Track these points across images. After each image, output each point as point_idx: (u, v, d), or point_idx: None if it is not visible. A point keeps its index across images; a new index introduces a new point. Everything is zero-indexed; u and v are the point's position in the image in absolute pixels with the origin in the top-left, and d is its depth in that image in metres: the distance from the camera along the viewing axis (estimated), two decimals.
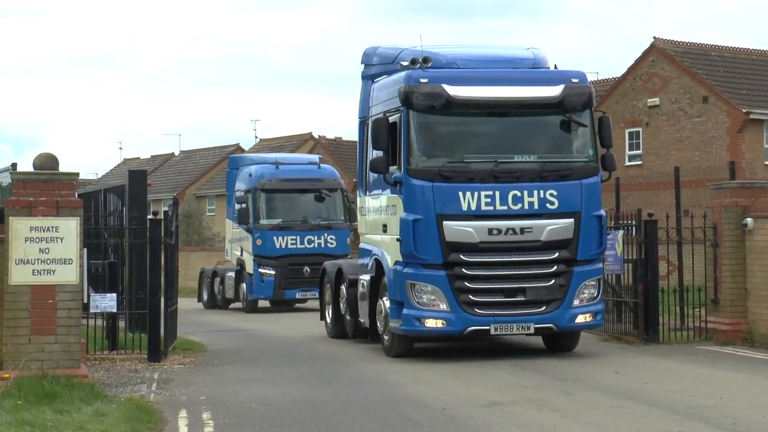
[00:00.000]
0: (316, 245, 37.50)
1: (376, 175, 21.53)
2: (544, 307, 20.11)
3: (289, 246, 37.29)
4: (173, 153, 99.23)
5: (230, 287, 40.49)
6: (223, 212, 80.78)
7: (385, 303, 20.85)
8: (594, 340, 23.80)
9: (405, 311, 19.81)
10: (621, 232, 23.97)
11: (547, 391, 16.35)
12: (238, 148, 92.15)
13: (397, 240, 19.98)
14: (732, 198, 23.29)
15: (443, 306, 19.62)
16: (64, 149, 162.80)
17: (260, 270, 37.20)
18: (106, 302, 20.32)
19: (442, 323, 19.71)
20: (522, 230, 20.05)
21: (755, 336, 22.34)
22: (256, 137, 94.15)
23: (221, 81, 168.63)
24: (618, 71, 56.08)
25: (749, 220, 22.75)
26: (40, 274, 15.96)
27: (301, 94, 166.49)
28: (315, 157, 43.47)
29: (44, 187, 16.23)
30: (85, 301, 18.41)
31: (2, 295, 15.97)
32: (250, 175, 38.57)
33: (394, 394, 16.31)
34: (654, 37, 52.87)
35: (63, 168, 16.85)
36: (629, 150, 52.57)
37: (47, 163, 16.67)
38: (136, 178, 24.57)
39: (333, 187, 39.13)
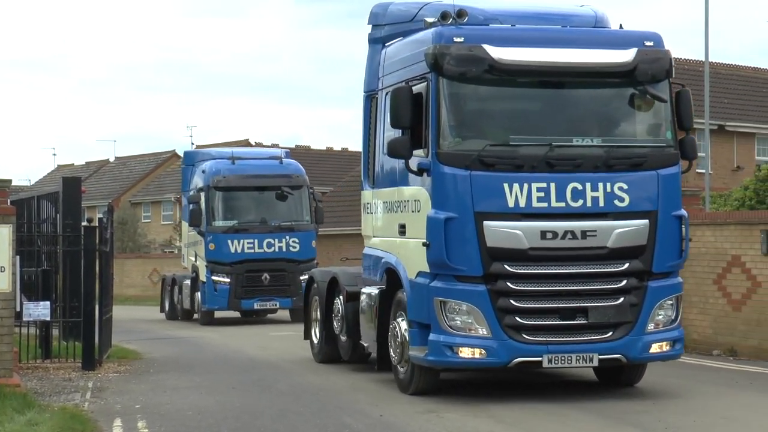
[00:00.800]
0: (276, 249, 34.10)
1: (389, 162, 17.43)
2: (610, 333, 15.62)
3: (246, 250, 33.74)
4: (108, 159, 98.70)
5: (186, 296, 36.95)
6: (159, 219, 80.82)
7: (401, 325, 16.63)
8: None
9: (433, 337, 15.50)
10: None
11: (482, 396, 16.30)
12: (173, 155, 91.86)
13: (424, 245, 15.62)
14: None
15: (483, 331, 15.34)
16: None
17: (213, 278, 33.63)
18: (40, 310, 20.12)
19: (482, 353, 15.42)
20: (583, 234, 15.62)
21: (687, 341, 22.47)
22: (193, 144, 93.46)
23: (159, 87, 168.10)
24: None
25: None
26: None
27: (239, 100, 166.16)
28: (277, 151, 38.73)
29: None
30: (18, 309, 18.23)
31: None
32: (204, 171, 35.00)
33: None
34: None
35: None
36: None
37: None
38: (70, 185, 24.40)
39: (297, 184, 35.16)
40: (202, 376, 19.89)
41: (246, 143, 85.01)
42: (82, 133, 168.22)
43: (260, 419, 14.76)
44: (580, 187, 15.71)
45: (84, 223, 21.79)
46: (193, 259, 36.17)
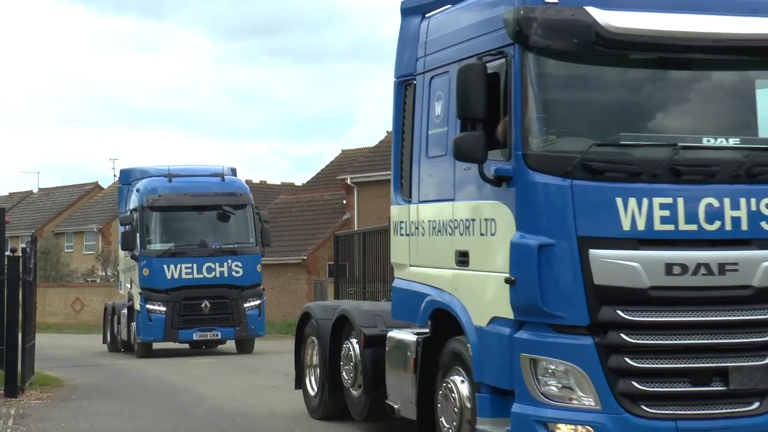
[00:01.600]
0: (217, 274, 29.94)
1: (438, 168, 12.90)
2: (757, 404, 11.01)
3: (184, 276, 29.56)
4: (32, 190, 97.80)
5: (124, 327, 32.70)
6: (81, 249, 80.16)
7: (460, 387, 12.10)
8: None
9: (518, 408, 11.05)
10: None
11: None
12: (96, 186, 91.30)
13: (506, 281, 11.06)
14: None
15: (589, 401, 10.74)
16: None
17: (148, 306, 29.39)
18: None
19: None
20: (721, 268, 10.94)
21: None
22: (115, 176, 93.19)
23: (80, 120, 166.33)
24: None
25: None
26: None
27: (159, 133, 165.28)
28: (220, 168, 32.85)
29: None
30: None
31: None
32: (138, 190, 30.77)
33: None
34: None
35: None
36: None
37: None
38: None
39: (240, 203, 31.00)
40: (123, 402, 19.69)
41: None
42: (6, 164, 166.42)
43: None
44: (716, 203, 11.24)
45: (7, 253, 21.50)
46: (129, 285, 32.38)
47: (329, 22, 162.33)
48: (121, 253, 34.77)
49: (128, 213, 31.47)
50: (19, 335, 20.68)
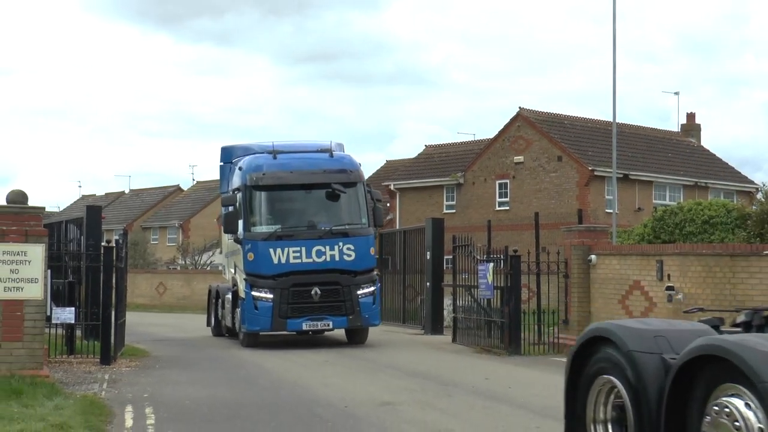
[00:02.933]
0: (327, 258, 24.02)
1: None
2: None
3: (292, 261, 23.75)
4: (124, 191, 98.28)
5: (228, 312, 27.10)
6: (164, 241, 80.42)
7: None
8: (469, 351, 23.85)
9: None
10: (492, 264, 24.12)
11: (429, 393, 16.37)
12: (177, 189, 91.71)
13: None
14: (580, 239, 23.61)
15: None
16: (33, 186, 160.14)
17: (253, 293, 23.76)
18: (66, 315, 20.08)
19: None
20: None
21: None
22: (194, 179, 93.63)
23: (164, 132, 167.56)
24: (491, 133, 56.43)
25: (593, 256, 23.07)
26: (11, 290, 15.78)
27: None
28: (326, 143, 26.66)
29: (15, 218, 16.09)
30: (48, 313, 18.17)
31: None
32: (241, 168, 25.26)
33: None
34: (520, 107, 53.53)
35: (31, 202, 16.74)
36: (499, 198, 53.05)
37: (18, 198, 16.54)
38: (92, 212, 24.34)
39: (351, 180, 24.95)
40: (199, 372, 19.81)
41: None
42: (102, 169, 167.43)
43: (245, 408, 14.74)
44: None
45: (103, 244, 21.70)
46: (233, 270, 26.72)
47: (374, 51, 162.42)
48: (223, 235, 29.45)
49: (230, 193, 26.07)
50: (113, 313, 20.87)
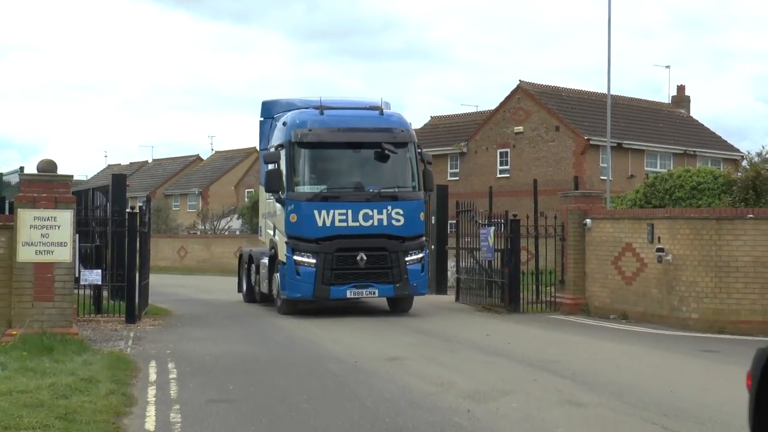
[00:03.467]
0: (375, 222, 21.36)
1: None
2: None
3: (337, 224, 21.08)
4: (147, 161, 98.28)
5: (264, 278, 24.29)
6: (185, 208, 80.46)
7: None
8: (471, 310, 23.93)
9: None
10: (493, 228, 24.16)
11: (434, 349, 16.46)
12: (197, 158, 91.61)
13: None
14: (576, 204, 23.62)
15: None
16: (62, 155, 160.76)
17: (295, 258, 21.06)
18: (93, 276, 20.20)
19: None
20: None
21: (590, 308, 22.68)
22: (212, 149, 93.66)
23: (185, 106, 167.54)
24: (492, 105, 56.31)
25: (588, 220, 23.09)
26: (42, 253, 15.88)
27: (247, 117, 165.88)
28: (375, 101, 23.41)
29: (45, 185, 16.16)
30: (77, 275, 18.25)
31: (11, 269, 15.83)
32: (285, 123, 22.29)
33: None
34: (520, 80, 53.30)
35: (60, 171, 16.78)
36: (500, 166, 52.93)
37: (48, 166, 16.60)
38: (117, 180, 24.31)
39: (401, 140, 22.04)
40: (218, 330, 19.90)
41: (254, 150, 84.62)
42: (127, 140, 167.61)
43: (261, 363, 14.83)
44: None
45: (128, 210, 21.75)
46: (271, 232, 23.62)
47: (384, 28, 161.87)
48: (262, 194, 25.82)
49: (273, 149, 22.78)
50: (137, 275, 20.96)
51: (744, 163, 32.38)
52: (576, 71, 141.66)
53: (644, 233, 21.15)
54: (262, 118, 26.13)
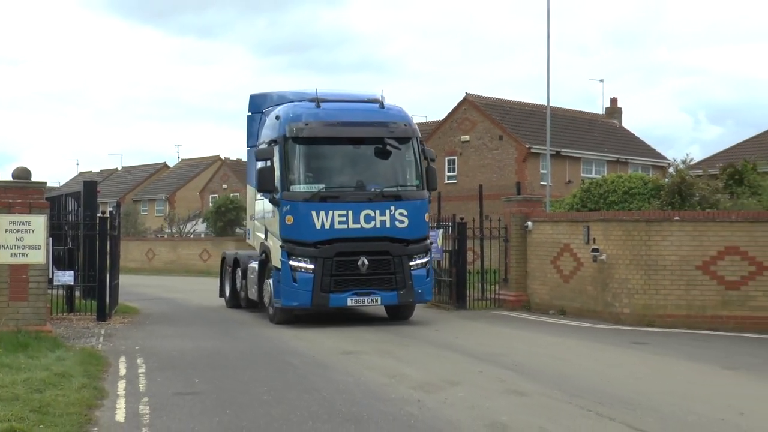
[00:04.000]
0: (377, 224, 18.42)
1: None
2: None
3: (336, 226, 18.15)
4: (117, 168, 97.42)
5: (253, 284, 21.21)
6: (153, 212, 79.87)
7: None
8: (422, 307, 24.00)
9: None
10: (441, 230, 24.23)
11: (387, 343, 16.49)
12: (164, 166, 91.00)
13: None
14: (518, 208, 23.74)
15: None
16: (36, 163, 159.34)
17: (291, 263, 18.10)
18: (66, 277, 20.03)
19: None
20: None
21: (531, 304, 22.81)
22: (179, 157, 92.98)
23: (152, 116, 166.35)
24: (441, 115, 56.45)
25: (529, 223, 23.23)
26: (17, 256, 15.73)
27: (211, 126, 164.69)
28: (376, 94, 20.03)
29: (20, 192, 16.00)
30: (50, 276, 18.06)
31: None
32: (278, 117, 19.04)
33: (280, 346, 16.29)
34: (466, 93, 53.52)
35: (34, 178, 16.63)
36: (447, 172, 53.08)
37: (23, 174, 16.46)
38: (89, 187, 24.02)
39: (405, 135, 19.07)
40: (184, 327, 19.79)
41: (217, 158, 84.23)
42: (98, 148, 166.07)
43: (225, 357, 14.79)
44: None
45: (99, 215, 21.57)
46: (262, 235, 20.47)
47: (341, 42, 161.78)
48: (250, 193, 22.64)
49: (265, 145, 19.64)
50: (107, 276, 20.80)
51: (670, 169, 32.69)
52: (518, 83, 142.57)
53: (581, 235, 21.32)
54: (249, 113, 22.86)
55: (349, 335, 17.63)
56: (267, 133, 20.08)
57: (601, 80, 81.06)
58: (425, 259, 18.93)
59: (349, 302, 18.45)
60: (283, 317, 18.95)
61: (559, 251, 22.11)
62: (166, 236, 64.96)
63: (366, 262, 18.19)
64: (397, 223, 18.44)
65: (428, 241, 19.41)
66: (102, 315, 20.07)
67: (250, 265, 21.57)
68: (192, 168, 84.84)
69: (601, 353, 15.46)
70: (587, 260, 20.95)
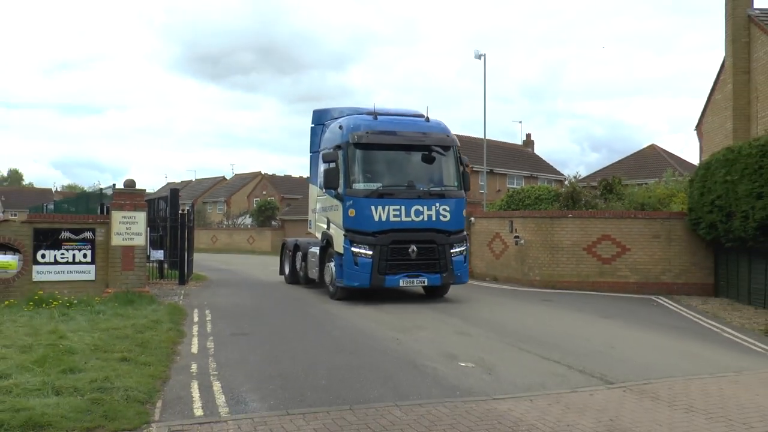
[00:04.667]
0: (425, 218, 15.89)
1: None
2: None
3: (392, 218, 15.65)
4: (192, 180, 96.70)
5: (314, 266, 18.27)
6: (216, 211, 79.45)
7: None
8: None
9: None
10: None
11: (375, 301, 16.32)
12: (223, 179, 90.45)
13: None
14: (466, 209, 23.76)
15: None
16: (138, 176, 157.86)
17: (353, 249, 15.57)
18: (158, 254, 19.97)
19: None
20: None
21: (474, 274, 22.77)
22: (233, 173, 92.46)
23: (215, 144, 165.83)
24: None
25: (473, 218, 23.23)
26: (126, 240, 15.66)
27: (254, 153, 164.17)
28: (420, 111, 17.94)
29: (129, 196, 15.96)
30: (148, 254, 18.02)
31: (108, 250, 15.59)
32: (341, 127, 16.69)
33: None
34: None
35: (138, 186, 16.59)
36: None
37: (130, 183, 16.42)
38: (173, 193, 23.80)
39: (447, 144, 16.65)
40: (234, 288, 19.72)
41: (259, 173, 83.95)
42: (178, 166, 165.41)
43: (266, 309, 14.77)
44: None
45: (180, 212, 21.51)
46: (324, 225, 17.32)
47: (341, 94, 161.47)
48: (312, 191, 19.37)
49: (331, 150, 16.68)
50: (186, 254, 20.74)
51: (566, 182, 32.74)
52: (464, 123, 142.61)
53: (506, 226, 21.39)
54: (313, 125, 19.84)
55: (349, 297, 16.83)
56: (330, 138, 17.26)
57: (520, 121, 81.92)
58: (463, 248, 16.29)
59: (401, 283, 15.68)
60: (343, 294, 16.28)
61: (492, 237, 22.17)
62: (224, 227, 64.70)
63: (415, 250, 15.63)
64: (441, 217, 15.95)
65: (465, 233, 16.60)
66: (182, 280, 20.01)
67: (310, 250, 18.79)
68: (241, 180, 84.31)
69: (521, 307, 15.48)
70: (511, 244, 21.03)
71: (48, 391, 7.27)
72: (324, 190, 16.75)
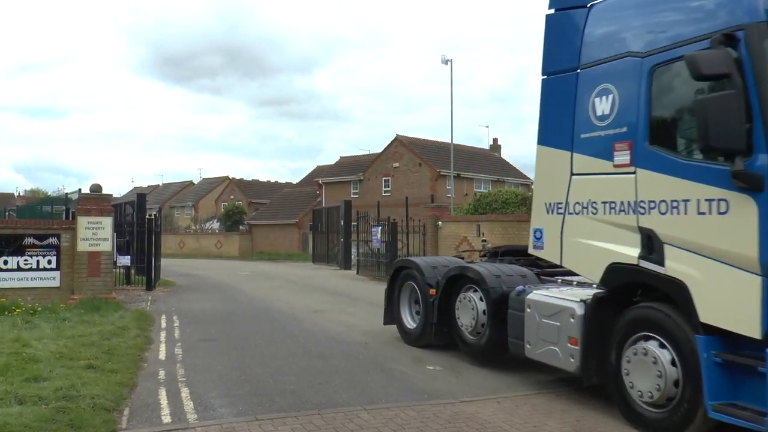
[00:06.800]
0: None
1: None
2: None
3: None
4: (159, 184, 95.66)
5: (549, 335, 7.42)
6: (183, 215, 78.69)
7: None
8: (366, 279, 24.07)
9: None
10: (380, 227, 24.37)
11: (343, 304, 16.50)
12: (190, 183, 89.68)
13: None
14: (432, 212, 24.00)
15: None
16: (104, 181, 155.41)
17: None
18: (125, 260, 19.81)
19: None
20: None
21: None
22: (200, 177, 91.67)
23: (182, 148, 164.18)
24: (380, 149, 56.58)
25: (440, 222, 23.47)
26: (92, 245, 15.55)
27: (222, 156, 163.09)
28: None
29: (95, 201, 15.84)
30: (115, 259, 17.86)
31: (74, 256, 15.42)
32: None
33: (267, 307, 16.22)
34: (396, 134, 53.72)
35: (105, 190, 16.46)
36: (384, 188, 53.17)
37: (96, 188, 16.30)
38: (140, 197, 23.64)
39: None
40: (204, 294, 19.64)
41: (227, 178, 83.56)
42: (145, 170, 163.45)
43: (234, 314, 14.73)
44: None
45: (147, 217, 21.34)
46: (621, 249, 6.53)
47: (309, 98, 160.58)
48: (552, 162, 7.96)
49: (711, 49, 5.13)
50: (153, 259, 20.58)
51: (533, 186, 33.19)
52: (432, 128, 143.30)
53: (474, 230, 21.60)
54: (551, 11, 7.62)
55: (314, 299, 17.35)
56: (636, 38, 6.41)
57: (487, 126, 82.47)
58: None
59: None
60: None
61: (460, 241, 22.37)
62: (192, 231, 64.14)
63: None
64: None
65: None
66: (149, 286, 19.84)
67: (549, 301, 7.80)
68: (209, 184, 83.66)
69: None
70: (478, 247, 21.22)
71: (10, 401, 7.15)
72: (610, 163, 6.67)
